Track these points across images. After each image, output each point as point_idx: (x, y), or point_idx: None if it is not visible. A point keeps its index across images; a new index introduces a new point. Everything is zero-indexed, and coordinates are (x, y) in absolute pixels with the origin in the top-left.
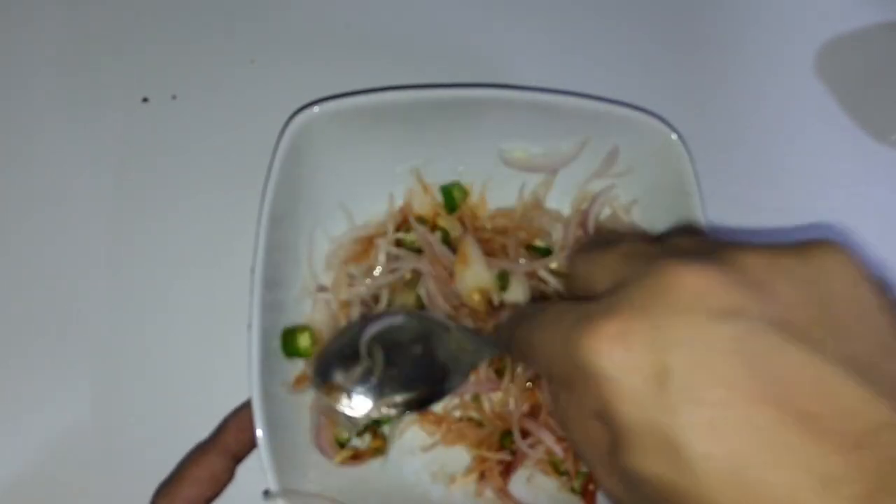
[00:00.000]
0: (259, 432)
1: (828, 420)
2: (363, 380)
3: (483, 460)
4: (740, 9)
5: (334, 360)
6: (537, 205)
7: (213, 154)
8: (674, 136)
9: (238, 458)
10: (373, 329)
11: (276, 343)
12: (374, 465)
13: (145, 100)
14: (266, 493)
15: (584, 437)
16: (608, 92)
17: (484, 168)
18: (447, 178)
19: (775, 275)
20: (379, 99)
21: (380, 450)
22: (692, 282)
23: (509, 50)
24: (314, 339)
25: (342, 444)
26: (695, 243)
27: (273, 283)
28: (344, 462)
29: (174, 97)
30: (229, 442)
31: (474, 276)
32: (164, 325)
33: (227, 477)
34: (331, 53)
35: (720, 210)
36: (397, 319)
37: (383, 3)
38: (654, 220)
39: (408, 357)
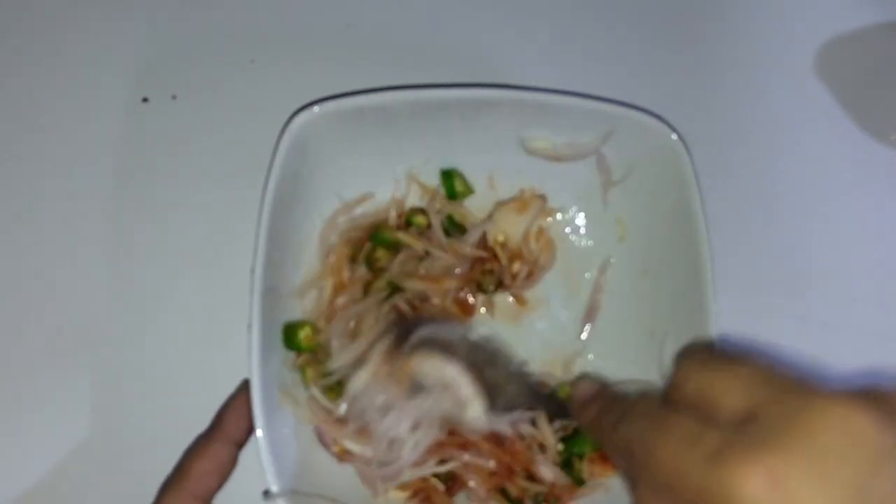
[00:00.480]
0: (259, 432)
1: None
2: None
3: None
4: (740, 9)
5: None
6: None
7: (213, 154)
8: (674, 136)
9: (240, 444)
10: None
11: (277, 342)
12: None
13: (145, 100)
14: (266, 494)
15: None
16: (608, 92)
17: (484, 168)
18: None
19: None
20: (379, 99)
21: None
22: (852, 418)
23: (509, 50)
24: (314, 334)
25: None
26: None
27: (273, 282)
28: (342, 456)
29: (174, 97)
30: (230, 429)
31: None
32: (164, 324)
33: (232, 465)
34: (331, 53)
35: (720, 210)
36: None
37: (383, 3)
38: (654, 220)
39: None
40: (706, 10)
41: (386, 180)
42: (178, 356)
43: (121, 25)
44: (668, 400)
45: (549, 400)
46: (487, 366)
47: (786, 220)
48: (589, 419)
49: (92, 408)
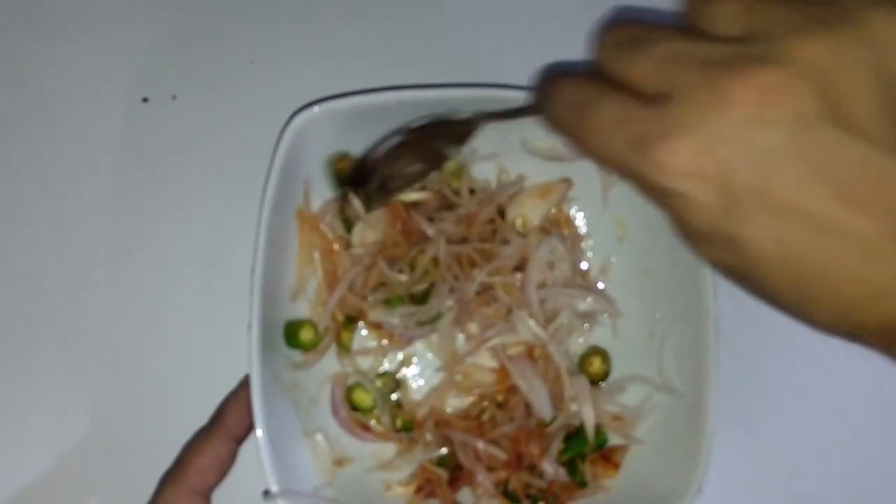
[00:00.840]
0: (259, 432)
1: (873, 201)
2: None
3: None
4: None
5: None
6: None
7: (213, 154)
8: None
9: (240, 441)
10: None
11: (277, 342)
12: (372, 465)
13: (145, 100)
14: (266, 494)
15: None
16: None
17: (484, 168)
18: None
19: (839, 63)
20: (379, 99)
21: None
22: (745, 94)
23: (509, 50)
24: (315, 334)
25: (363, 410)
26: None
27: (273, 282)
28: (356, 431)
29: (174, 97)
30: (230, 425)
31: None
32: (164, 324)
33: (231, 461)
34: (331, 53)
35: None
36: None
37: (383, 3)
38: (654, 220)
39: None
40: None
41: None
42: (178, 356)
43: (121, 25)
44: (589, 79)
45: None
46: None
47: None
48: (540, 105)
49: (92, 407)
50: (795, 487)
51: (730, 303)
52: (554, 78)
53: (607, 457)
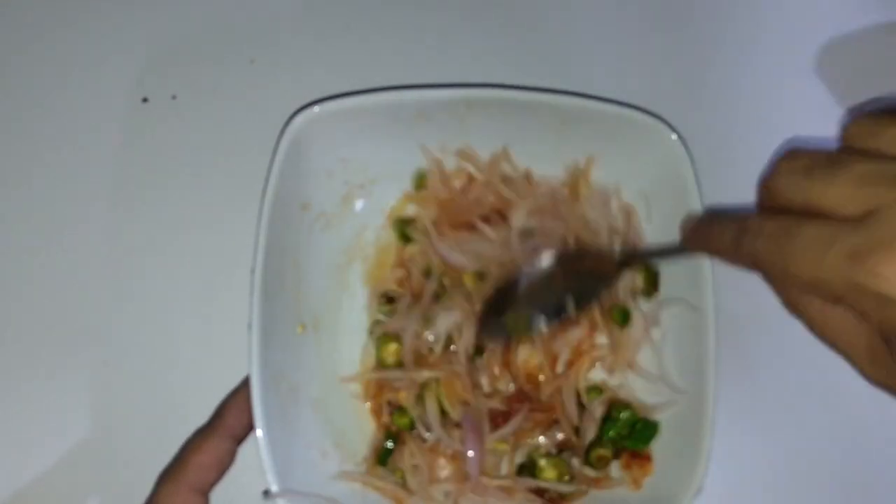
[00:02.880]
0: (259, 433)
1: None
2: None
3: None
4: (740, 9)
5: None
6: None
7: (213, 154)
8: (674, 136)
9: (239, 440)
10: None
11: (277, 342)
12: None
13: (145, 100)
14: (266, 493)
15: (841, 336)
16: (608, 92)
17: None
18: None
19: None
20: (379, 99)
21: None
22: None
23: (509, 50)
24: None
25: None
26: None
27: (273, 282)
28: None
29: (174, 97)
30: (230, 424)
31: None
32: (164, 324)
33: (230, 460)
34: (331, 53)
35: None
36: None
37: (383, 3)
38: (654, 220)
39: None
40: (706, 11)
41: (386, 180)
42: (178, 356)
43: (121, 25)
44: (780, 211)
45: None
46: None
47: None
48: (703, 243)
49: (92, 407)
50: (796, 487)
51: (730, 303)
52: (716, 217)
53: (636, 452)
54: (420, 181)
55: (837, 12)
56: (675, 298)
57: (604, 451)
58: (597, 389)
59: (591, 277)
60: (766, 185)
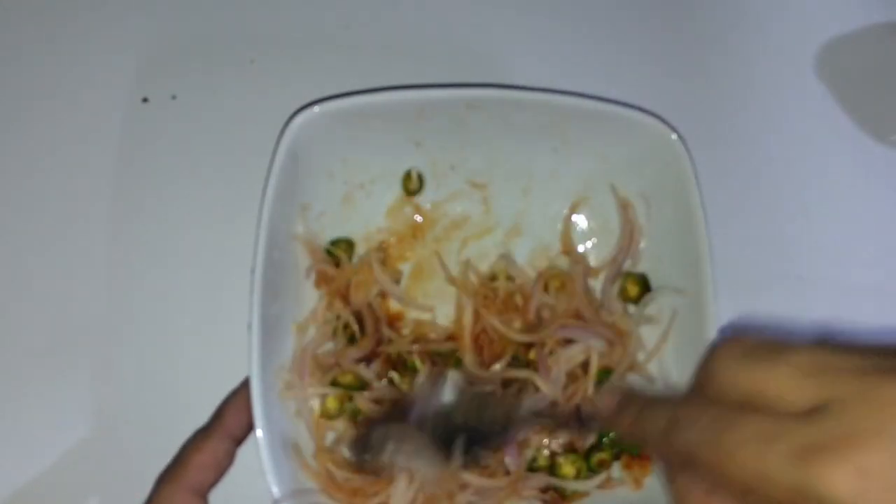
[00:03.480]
0: (259, 433)
1: None
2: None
3: None
4: (740, 9)
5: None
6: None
7: (213, 154)
8: (674, 136)
9: (239, 441)
10: (422, 410)
11: (277, 342)
12: None
13: (145, 100)
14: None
15: None
16: (608, 92)
17: (484, 167)
18: (447, 178)
19: None
20: (379, 99)
21: None
22: None
23: (509, 50)
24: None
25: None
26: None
27: (273, 282)
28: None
29: (174, 97)
30: (229, 425)
31: None
32: (164, 324)
33: (229, 461)
34: (330, 53)
35: (720, 210)
36: (445, 398)
37: (383, 3)
38: (654, 220)
39: (453, 428)
40: (706, 11)
41: (386, 180)
42: (178, 356)
43: (121, 25)
44: (715, 400)
45: (563, 417)
46: (481, 411)
47: (786, 220)
48: (628, 427)
49: (92, 407)
50: None
51: (730, 302)
52: (645, 402)
53: (639, 457)
54: (407, 182)
55: (837, 12)
56: (666, 287)
57: (604, 455)
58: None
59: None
60: (703, 369)
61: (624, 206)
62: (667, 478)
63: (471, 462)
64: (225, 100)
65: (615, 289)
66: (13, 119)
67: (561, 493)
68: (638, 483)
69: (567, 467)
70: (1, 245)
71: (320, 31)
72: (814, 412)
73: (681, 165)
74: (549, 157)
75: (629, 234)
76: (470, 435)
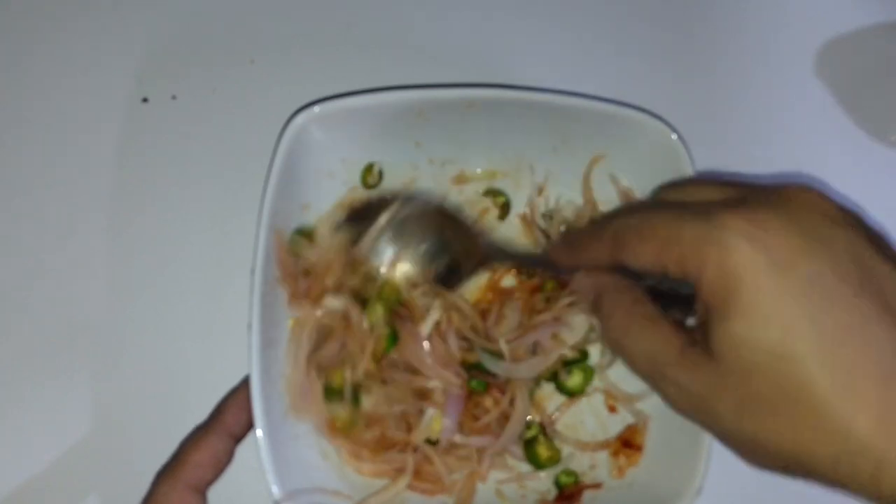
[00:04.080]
0: (259, 432)
1: None
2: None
3: None
4: (740, 9)
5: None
6: None
7: (213, 154)
8: (674, 136)
9: (238, 439)
10: (405, 210)
11: (277, 342)
12: None
13: (145, 100)
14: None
15: (656, 338)
16: (608, 92)
17: (484, 167)
18: (446, 178)
19: None
20: (379, 99)
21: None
22: (816, 197)
23: (509, 50)
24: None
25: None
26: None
27: (273, 282)
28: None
29: (174, 97)
30: (229, 423)
31: None
32: (164, 324)
33: (228, 458)
34: (331, 53)
35: None
36: (428, 206)
37: (383, 3)
38: None
39: (427, 239)
40: (706, 11)
41: (385, 180)
42: (178, 355)
43: (121, 25)
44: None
45: (521, 254)
46: (454, 235)
47: None
48: (569, 252)
49: (92, 406)
50: (795, 487)
51: None
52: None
53: (629, 441)
54: (367, 176)
55: (837, 12)
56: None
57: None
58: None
59: (458, 254)
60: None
61: (625, 196)
62: (592, 309)
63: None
64: (225, 100)
65: None
66: (13, 119)
67: (561, 490)
68: (621, 472)
69: (576, 376)
70: (1, 245)
71: (320, 31)
72: (721, 202)
73: (681, 165)
74: (549, 157)
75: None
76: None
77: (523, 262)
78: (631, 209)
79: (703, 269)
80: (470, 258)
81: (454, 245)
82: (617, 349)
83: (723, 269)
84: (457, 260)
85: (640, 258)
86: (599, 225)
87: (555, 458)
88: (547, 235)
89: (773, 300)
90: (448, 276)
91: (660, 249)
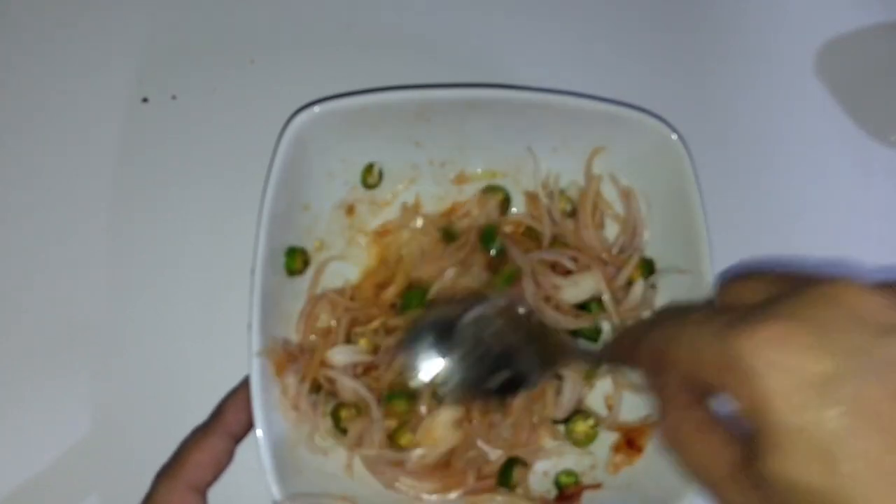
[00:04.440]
0: (259, 433)
1: None
2: (453, 362)
3: None
4: (740, 9)
5: (427, 333)
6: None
7: (213, 154)
8: (674, 136)
9: (238, 439)
10: (473, 314)
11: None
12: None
13: (145, 100)
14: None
15: (705, 451)
16: (608, 92)
17: (484, 167)
18: (446, 178)
19: None
20: (379, 99)
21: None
22: (858, 297)
23: (510, 50)
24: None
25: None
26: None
27: (273, 282)
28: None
29: (174, 97)
30: (229, 423)
31: None
32: (164, 324)
33: (228, 459)
34: (331, 53)
35: (720, 209)
36: (493, 309)
37: (383, 3)
38: (654, 220)
39: (493, 347)
40: (706, 11)
41: (385, 180)
42: (178, 355)
43: (121, 25)
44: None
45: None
46: (527, 339)
47: (786, 221)
48: (622, 347)
49: (91, 406)
50: None
51: None
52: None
53: (631, 441)
54: (367, 176)
55: (837, 12)
56: (670, 268)
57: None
58: None
59: (534, 356)
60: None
61: (626, 195)
62: (648, 384)
63: (505, 396)
64: (225, 100)
65: (623, 276)
66: (13, 119)
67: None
68: (616, 468)
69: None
70: (1, 245)
71: (320, 31)
72: (755, 305)
73: (681, 165)
74: (549, 157)
75: (632, 223)
76: (512, 364)
77: (594, 363)
78: (657, 323)
79: (732, 396)
80: (545, 364)
81: (525, 351)
82: (669, 451)
83: (749, 400)
84: (523, 368)
85: (679, 378)
86: (635, 339)
87: (591, 437)
88: (552, 216)
89: (809, 434)
90: (509, 384)
91: (689, 374)
